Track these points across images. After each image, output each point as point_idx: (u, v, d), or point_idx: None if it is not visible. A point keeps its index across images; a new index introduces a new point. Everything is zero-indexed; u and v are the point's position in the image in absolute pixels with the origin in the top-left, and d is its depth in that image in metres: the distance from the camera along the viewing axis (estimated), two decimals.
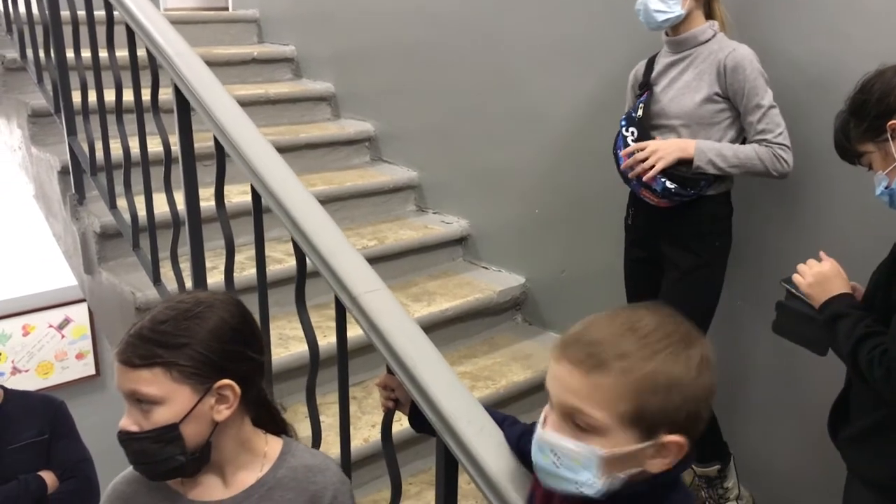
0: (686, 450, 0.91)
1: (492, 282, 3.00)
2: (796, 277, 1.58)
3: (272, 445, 1.24)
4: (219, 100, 1.76)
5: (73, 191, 2.61)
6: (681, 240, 2.14)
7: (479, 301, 2.86)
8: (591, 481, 0.91)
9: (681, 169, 2.02)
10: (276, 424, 1.27)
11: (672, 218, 2.12)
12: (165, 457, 1.10)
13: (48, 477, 2.57)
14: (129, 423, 1.10)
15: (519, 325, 3.05)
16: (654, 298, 2.24)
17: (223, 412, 1.13)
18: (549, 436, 0.94)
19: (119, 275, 2.51)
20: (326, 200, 3.06)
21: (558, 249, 2.89)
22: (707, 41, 2.08)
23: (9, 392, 2.64)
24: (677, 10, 2.04)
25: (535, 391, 2.69)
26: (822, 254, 1.61)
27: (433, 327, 2.74)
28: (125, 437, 1.10)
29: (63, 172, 2.66)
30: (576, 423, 0.91)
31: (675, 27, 2.10)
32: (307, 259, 1.51)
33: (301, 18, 3.90)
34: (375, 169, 3.47)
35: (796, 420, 2.30)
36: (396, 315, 1.30)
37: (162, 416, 1.09)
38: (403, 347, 1.25)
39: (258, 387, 1.21)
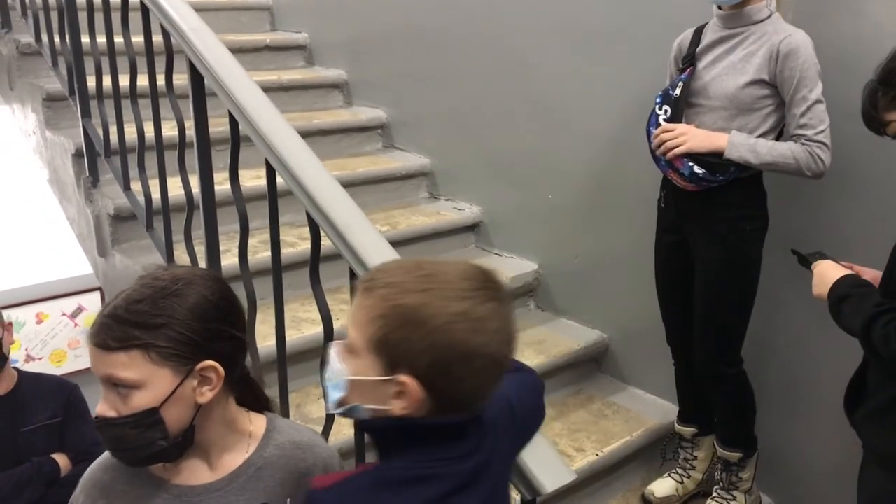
0: (424, 401, 0.90)
1: (505, 268, 2.99)
2: None
3: (256, 423, 1.18)
4: (233, 74, 1.76)
5: (88, 173, 2.62)
6: (710, 226, 2.09)
7: None
8: (337, 400, 0.95)
9: (710, 156, 1.98)
10: (259, 402, 1.22)
11: (701, 202, 2.07)
12: (146, 442, 1.03)
13: (61, 460, 2.57)
14: (105, 408, 1.03)
15: (532, 312, 3.04)
16: (686, 285, 2.21)
17: (206, 394, 1.07)
18: (331, 349, 0.97)
19: (133, 257, 2.52)
20: None
21: (571, 235, 2.88)
22: (762, 21, 1.99)
23: (22, 374, 2.64)
24: None
25: (548, 376, 2.68)
26: (843, 264, 1.63)
27: None
28: (102, 423, 1.04)
29: (77, 155, 2.67)
30: (347, 342, 0.94)
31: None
32: (322, 233, 1.50)
33: (314, 5, 3.89)
34: (388, 155, 3.46)
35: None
36: None
37: (141, 400, 1.02)
38: None
39: (241, 365, 1.15)
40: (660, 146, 2.05)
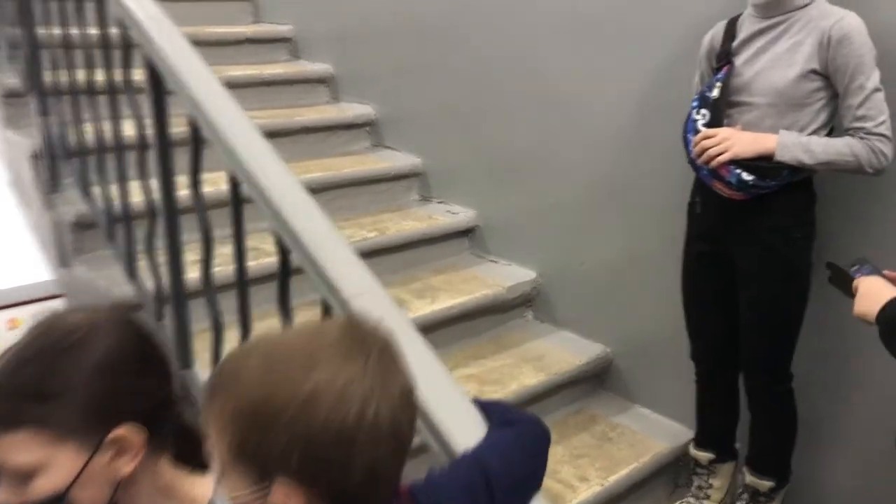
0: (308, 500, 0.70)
1: (501, 276, 2.79)
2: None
3: (201, 486, 0.98)
4: (191, 69, 1.54)
5: (47, 177, 2.40)
6: (759, 235, 1.90)
7: (486, 298, 2.65)
8: None
9: (759, 161, 1.79)
10: (203, 457, 1.02)
11: (746, 209, 1.88)
12: None
13: None
14: (5, 496, 0.85)
15: (529, 323, 2.83)
16: (721, 297, 2.04)
17: (125, 467, 0.88)
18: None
19: (97, 269, 2.31)
20: (324, 188, 2.86)
21: (573, 242, 2.68)
22: (805, 6, 1.80)
23: None
24: None
25: (548, 395, 2.49)
26: (886, 274, 1.45)
27: (437, 326, 2.53)
28: None
29: (36, 157, 2.45)
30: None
31: None
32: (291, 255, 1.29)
33: None
34: (376, 155, 3.26)
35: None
36: (396, 325, 1.08)
37: (42, 486, 0.83)
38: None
39: (173, 418, 0.95)
40: (701, 154, 1.84)
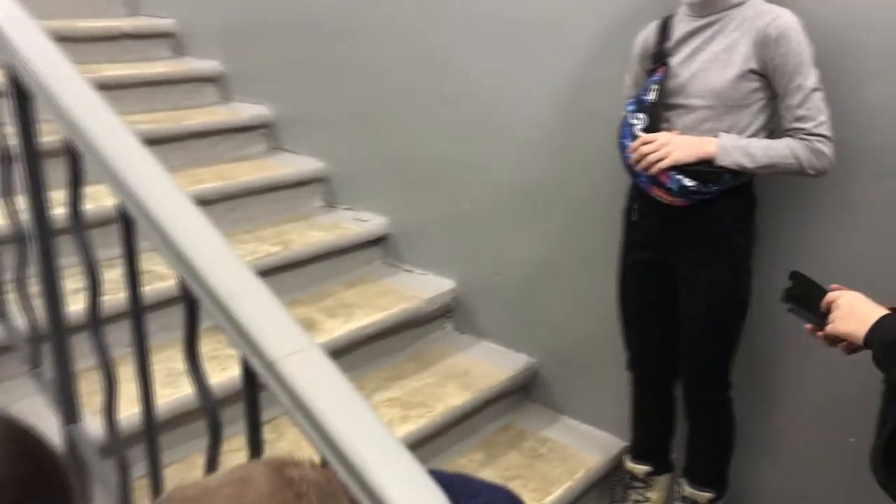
0: None
1: (418, 287, 2.62)
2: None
3: None
4: (58, 70, 1.29)
5: None
6: (702, 242, 1.82)
7: (405, 312, 2.48)
8: None
9: (700, 166, 1.70)
10: None
11: (688, 216, 1.79)
12: None
13: None
14: None
15: (449, 335, 2.68)
16: (660, 306, 1.95)
17: None
18: None
19: None
20: (219, 199, 2.62)
21: (494, 249, 2.54)
22: (740, 4, 1.73)
23: None
24: None
25: (475, 413, 2.35)
26: (834, 287, 1.37)
27: (353, 346, 2.35)
28: None
29: None
30: None
31: None
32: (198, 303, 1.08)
33: None
34: (275, 159, 3.01)
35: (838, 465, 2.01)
36: (336, 391, 0.90)
37: None
38: (352, 447, 0.85)
39: None
40: (639, 160, 1.74)
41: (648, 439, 2.15)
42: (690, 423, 2.02)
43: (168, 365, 2.04)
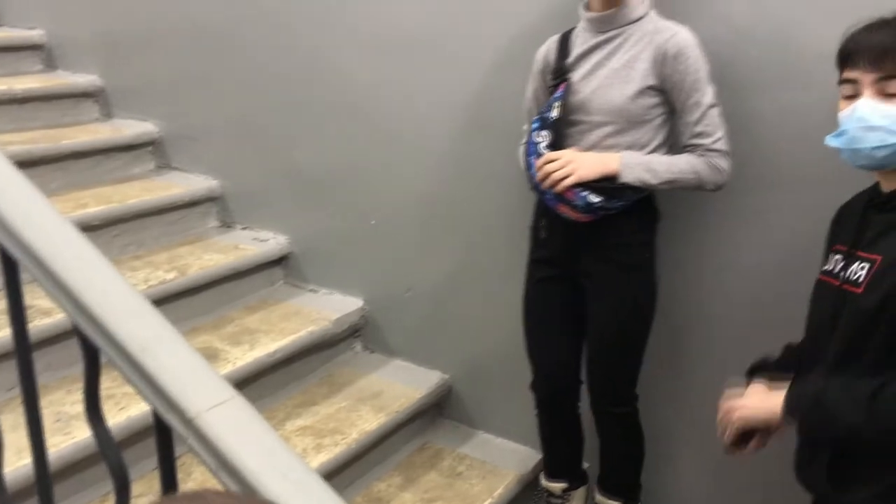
0: None
1: (324, 307, 2.53)
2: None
3: None
4: None
5: None
6: (608, 257, 1.82)
7: (312, 334, 2.38)
8: None
9: (604, 182, 1.69)
10: None
11: (594, 232, 1.79)
12: None
13: None
14: None
15: (359, 356, 2.60)
16: (564, 322, 1.94)
17: None
18: None
19: None
20: (103, 224, 2.45)
21: (402, 265, 2.48)
22: (639, 20, 1.72)
23: None
24: None
25: (391, 435, 2.29)
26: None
27: (260, 374, 2.23)
28: None
29: None
30: None
31: (604, 0, 1.72)
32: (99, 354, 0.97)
33: None
34: (164, 179, 2.85)
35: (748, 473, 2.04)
36: (266, 446, 0.82)
37: None
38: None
39: None
40: (545, 178, 1.72)
41: (560, 457, 2.14)
42: (599, 436, 2.02)
43: (56, 409, 1.89)
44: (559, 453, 2.13)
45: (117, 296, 0.93)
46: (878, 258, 1.21)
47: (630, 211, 1.76)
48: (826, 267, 1.35)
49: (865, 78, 1.21)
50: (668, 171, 1.70)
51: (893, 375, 1.16)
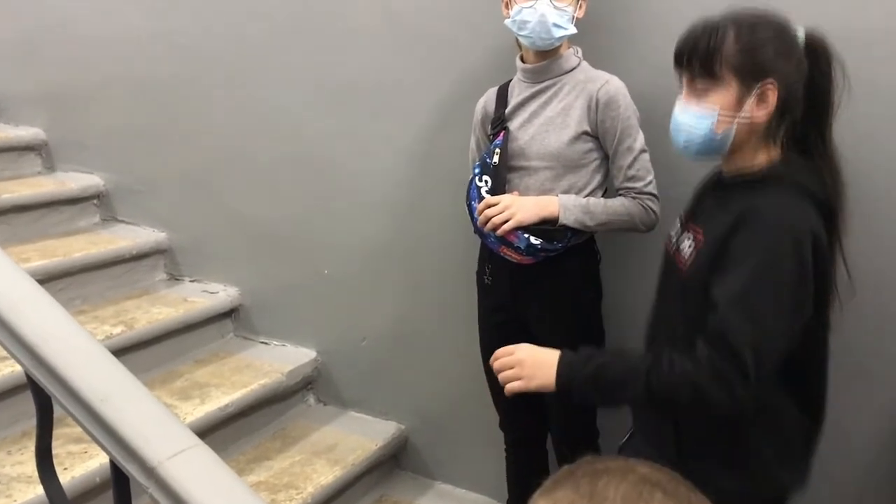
0: None
1: (276, 360, 2.50)
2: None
3: None
4: None
5: None
6: (549, 297, 1.84)
7: (265, 388, 2.34)
8: None
9: (544, 224, 1.73)
10: None
11: (536, 274, 1.81)
12: None
13: None
14: None
15: (312, 408, 2.56)
16: None
17: None
18: None
19: None
20: (48, 278, 2.38)
21: (355, 315, 2.47)
22: (572, 70, 1.79)
23: None
24: (571, 29, 1.72)
25: (347, 488, 2.24)
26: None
27: (211, 429, 2.17)
28: None
29: None
30: None
31: (538, 52, 1.78)
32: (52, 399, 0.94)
33: None
34: (110, 232, 2.79)
35: None
36: (235, 493, 0.80)
37: None
38: None
39: None
40: (486, 222, 1.75)
41: (526, 497, 2.12)
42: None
43: None
44: (526, 494, 2.11)
45: (82, 352, 0.91)
46: (701, 233, 1.29)
47: (570, 253, 1.80)
48: (671, 231, 1.45)
49: (683, 78, 1.29)
50: (604, 212, 1.75)
51: (678, 350, 1.21)
